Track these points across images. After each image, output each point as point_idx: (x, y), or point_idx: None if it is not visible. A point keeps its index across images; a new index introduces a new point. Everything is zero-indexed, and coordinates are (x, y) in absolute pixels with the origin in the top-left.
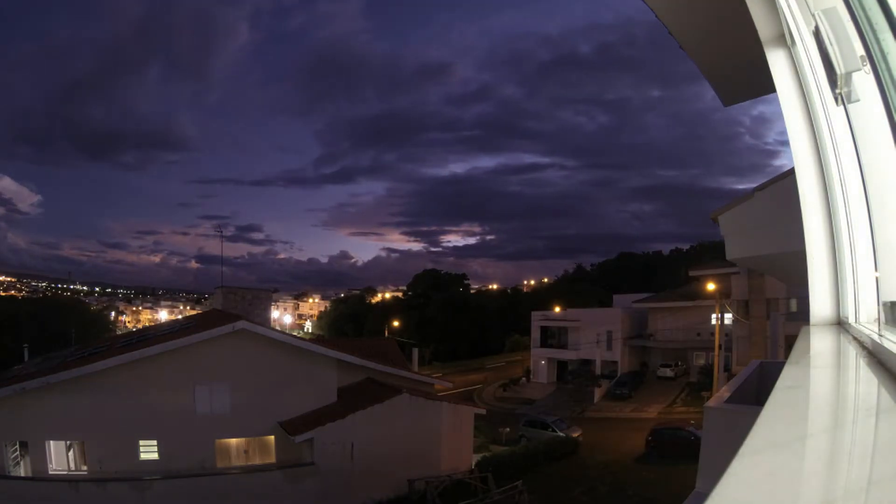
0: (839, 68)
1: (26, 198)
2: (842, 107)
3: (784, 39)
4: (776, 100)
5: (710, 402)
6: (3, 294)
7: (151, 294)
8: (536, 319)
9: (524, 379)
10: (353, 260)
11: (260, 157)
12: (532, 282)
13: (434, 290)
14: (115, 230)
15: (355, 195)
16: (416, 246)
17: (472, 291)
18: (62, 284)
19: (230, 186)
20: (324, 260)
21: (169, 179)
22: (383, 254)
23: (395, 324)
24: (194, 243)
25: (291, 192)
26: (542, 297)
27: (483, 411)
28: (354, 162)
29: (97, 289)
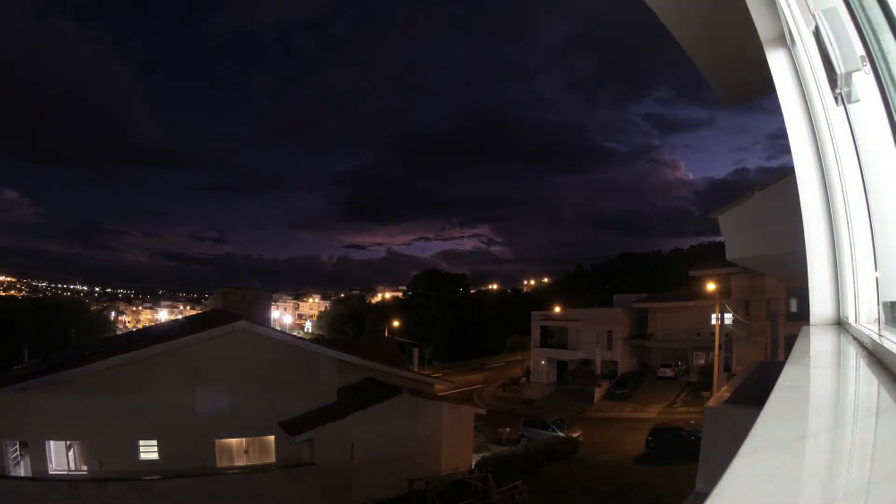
0: (839, 68)
1: (24, 203)
2: (842, 107)
3: (784, 39)
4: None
5: (710, 402)
6: (3, 294)
7: (151, 294)
8: (536, 319)
9: (524, 379)
10: (321, 259)
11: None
12: (532, 281)
13: (434, 290)
14: (94, 232)
15: (297, 198)
16: (367, 242)
17: (471, 291)
18: (62, 284)
19: (181, 193)
20: (284, 259)
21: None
22: (342, 252)
23: (395, 324)
24: (169, 244)
25: (232, 198)
26: (542, 297)
27: (483, 411)
28: (287, 169)
29: (97, 289)
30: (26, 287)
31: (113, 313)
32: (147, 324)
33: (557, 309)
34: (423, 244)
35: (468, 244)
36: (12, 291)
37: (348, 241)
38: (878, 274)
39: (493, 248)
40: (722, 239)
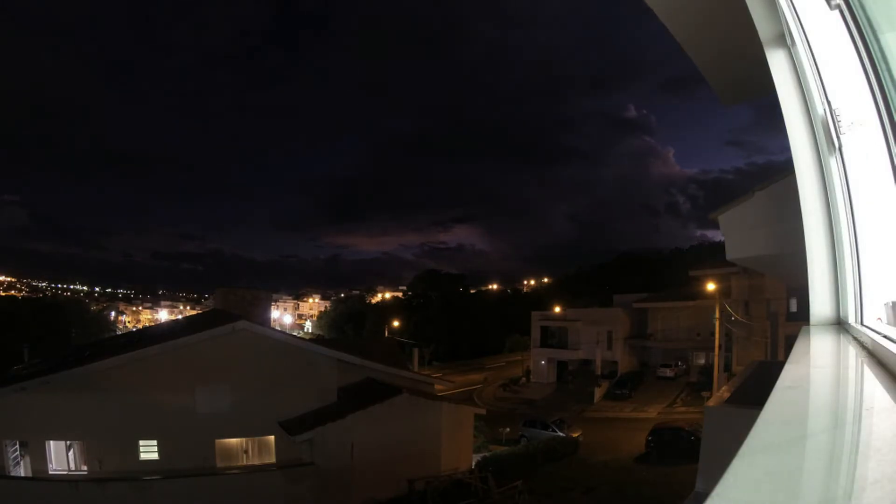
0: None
1: (23, 205)
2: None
3: (784, 39)
4: None
5: (710, 402)
6: (3, 294)
7: (151, 294)
8: (536, 319)
9: (524, 379)
10: (308, 260)
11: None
12: (532, 281)
13: (434, 290)
14: (92, 233)
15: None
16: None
17: (471, 291)
18: (62, 284)
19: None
20: (272, 260)
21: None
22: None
23: (395, 324)
24: (166, 246)
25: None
26: (542, 297)
27: (483, 411)
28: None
29: (97, 289)
30: (26, 287)
31: (113, 313)
32: (147, 324)
33: (557, 309)
34: (410, 243)
35: (453, 243)
36: (12, 291)
37: (335, 242)
38: (877, 274)
39: (478, 248)
40: (719, 236)
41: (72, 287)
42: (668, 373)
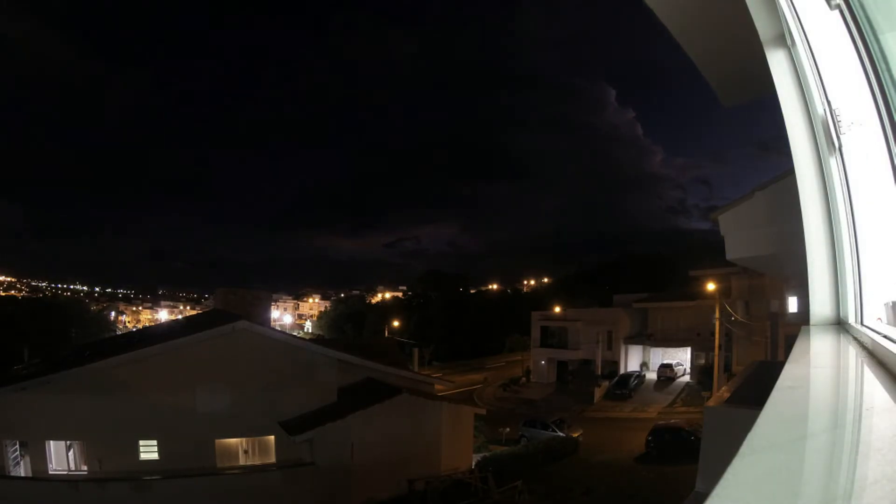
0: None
1: (23, 205)
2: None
3: (784, 39)
4: None
5: (710, 402)
6: (3, 294)
7: (151, 294)
8: (537, 319)
9: (524, 379)
10: (293, 260)
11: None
12: (532, 281)
13: (434, 290)
14: (91, 234)
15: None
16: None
17: (471, 291)
18: (62, 284)
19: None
20: (255, 259)
21: None
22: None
23: (395, 324)
24: (159, 246)
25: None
26: (542, 297)
27: (483, 411)
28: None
29: (97, 289)
30: (26, 287)
31: (113, 313)
32: (147, 324)
33: (557, 309)
34: (397, 243)
35: (442, 242)
36: (12, 291)
37: (319, 244)
38: (877, 274)
39: (473, 248)
40: (722, 238)
41: (72, 287)
42: (668, 373)
